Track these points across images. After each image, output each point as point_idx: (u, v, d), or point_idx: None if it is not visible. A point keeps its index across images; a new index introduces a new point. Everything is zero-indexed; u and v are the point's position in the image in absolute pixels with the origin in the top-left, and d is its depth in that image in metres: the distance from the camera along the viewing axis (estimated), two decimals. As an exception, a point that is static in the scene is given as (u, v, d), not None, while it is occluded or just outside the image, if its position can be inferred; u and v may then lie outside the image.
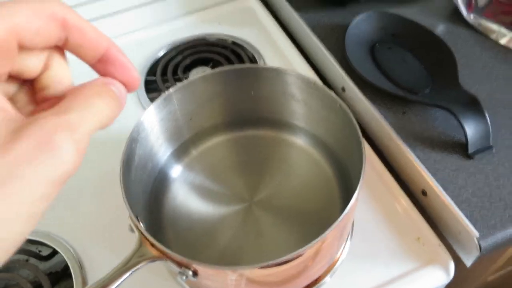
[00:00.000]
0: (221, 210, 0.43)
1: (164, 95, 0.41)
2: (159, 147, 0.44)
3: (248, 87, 0.45)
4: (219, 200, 0.43)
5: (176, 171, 0.45)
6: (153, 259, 0.32)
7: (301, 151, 0.46)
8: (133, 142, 0.38)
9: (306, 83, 0.42)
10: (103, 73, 0.22)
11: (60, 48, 0.22)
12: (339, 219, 0.32)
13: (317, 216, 0.42)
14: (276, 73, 0.43)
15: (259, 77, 0.44)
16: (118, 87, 0.22)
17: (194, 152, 0.47)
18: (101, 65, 0.22)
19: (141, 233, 0.33)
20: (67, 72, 0.22)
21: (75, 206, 0.46)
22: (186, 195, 0.44)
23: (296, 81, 0.42)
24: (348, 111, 0.38)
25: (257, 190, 0.43)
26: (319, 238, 0.31)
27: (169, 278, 0.41)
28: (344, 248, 0.42)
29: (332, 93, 0.40)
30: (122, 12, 0.64)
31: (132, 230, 0.34)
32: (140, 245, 0.33)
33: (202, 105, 0.45)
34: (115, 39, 0.64)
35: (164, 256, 0.32)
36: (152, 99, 0.56)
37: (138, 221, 0.34)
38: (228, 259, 0.40)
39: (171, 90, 0.41)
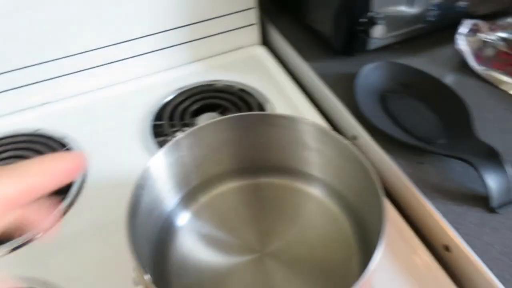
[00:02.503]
0: (230, 261, 0.40)
1: (172, 140, 0.39)
2: (166, 193, 0.42)
3: (259, 134, 0.44)
4: (228, 250, 0.40)
5: (183, 219, 0.43)
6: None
7: (315, 201, 0.43)
8: (139, 188, 0.36)
9: (320, 132, 0.40)
10: None
11: None
12: (359, 282, 0.29)
13: (332, 271, 0.39)
14: (288, 120, 0.42)
15: (270, 124, 0.43)
16: None
17: (203, 199, 0.44)
18: None
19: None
20: None
21: (75, 253, 0.43)
22: (193, 244, 0.41)
23: (309, 129, 0.41)
24: (364, 162, 0.36)
25: (268, 241, 0.41)
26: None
27: None
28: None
29: (348, 143, 0.39)
30: (131, 58, 0.64)
31: (136, 284, 0.31)
32: (145, 302, 0.30)
33: (211, 151, 0.44)
34: (124, 84, 0.64)
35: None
36: (159, 143, 0.54)
37: (145, 273, 0.31)
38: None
39: (180, 135, 0.40)
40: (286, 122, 0.42)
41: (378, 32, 0.56)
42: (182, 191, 0.43)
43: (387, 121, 0.50)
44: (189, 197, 0.44)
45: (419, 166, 0.46)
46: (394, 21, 0.58)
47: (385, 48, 0.61)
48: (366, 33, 0.57)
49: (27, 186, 0.20)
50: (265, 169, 0.45)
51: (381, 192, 0.34)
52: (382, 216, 0.32)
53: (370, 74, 0.55)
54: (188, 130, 0.40)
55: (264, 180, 0.45)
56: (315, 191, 0.44)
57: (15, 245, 0.44)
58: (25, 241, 0.44)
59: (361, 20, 0.56)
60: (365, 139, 0.49)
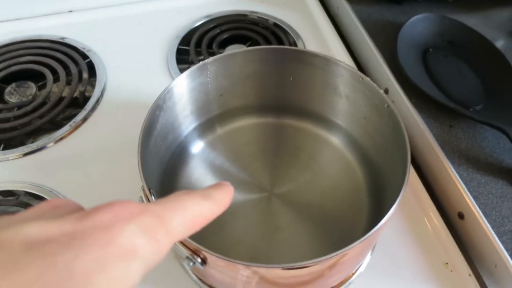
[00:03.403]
0: (238, 196, 0.39)
1: (199, 64, 0.38)
2: (184, 118, 0.41)
3: (288, 72, 0.41)
4: (237, 185, 0.40)
5: (197, 147, 0.42)
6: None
7: (334, 150, 0.42)
8: (157, 109, 0.35)
9: (355, 77, 0.38)
10: None
11: None
12: (369, 234, 0.28)
13: (340, 221, 0.38)
14: (323, 60, 0.39)
15: (303, 62, 0.40)
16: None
17: (220, 131, 0.43)
18: None
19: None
20: None
21: (86, 168, 0.44)
22: (203, 174, 0.41)
23: (344, 73, 0.39)
24: (398, 115, 0.34)
25: (280, 182, 0.40)
26: (346, 249, 0.28)
27: (173, 261, 0.38)
28: (363, 261, 0.38)
29: (381, 91, 0.36)
30: None
31: (142, 202, 0.31)
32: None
33: (236, 82, 0.42)
34: (155, 2, 0.61)
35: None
36: (181, 70, 0.52)
37: (151, 194, 0.31)
38: (239, 251, 0.37)
39: (207, 60, 0.38)
40: (320, 62, 0.39)
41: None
42: (200, 118, 0.42)
43: (424, 78, 0.47)
44: (206, 126, 0.43)
45: (449, 129, 0.43)
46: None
47: (437, 1, 0.56)
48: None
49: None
50: (289, 109, 0.44)
51: (408, 151, 0.32)
52: (404, 175, 0.30)
53: (417, 25, 0.51)
54: (215, 56, 0.38)
55: (286, 120, 0.44)
56: (336, 140, 0.42)
57: (27, 150, 0.44)
58: (38, 147, 0.45)
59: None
60: (397, 93, 0.47)
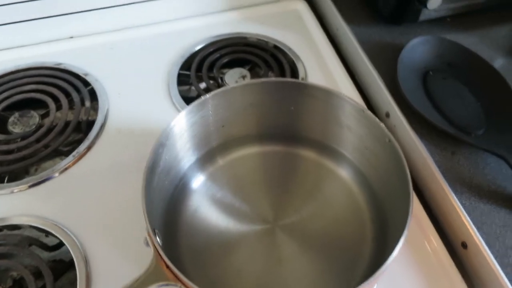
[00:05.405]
0: (242, 228, 0.40)
1: (200, 100, 0.38)
2: (185, 152, 0.41)
3: (289, 101, 0.42)
4: (240, 217, 0.40)
5: (198, 180, 0.42)
6: (167, 283, 0.29)
7: (337, 180, 0.42)
8: (160, 147, 0.36)
9: (355, 110, 0.38)
10: None
11: None
12: (375, 275, 0.28)
13: (344, 252, 0.38)
14: (324, 93, 0.39)
15: (303, 94, 0.41)
16: None
17: (220, 162, 0.44)
18: None
19: (158, 252, 0.30)
20: None
21: (91, 199, 0.44)
22: (206, 207, 0.41)
23: (344, 104, 0.39)
24: (399, 149, 0.34)
25: (283, 213, 0.40)
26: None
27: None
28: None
29: (382, 125, 0.36)
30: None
31: (147, 244, 0.32)
32: (154, 264, 0.30)
33: (237, 114, 0.42)
34: (152, 26, 0.62)
35: (179, 282, 0.29)
36: (182, 92, 0.53)
37: (155, 236, 0.31)
38: (242, 283, 0.37)
39: (208, 95, 0.38)
40: (321, 93, 0.40)
41: (435, 3, 0.51)
42: (201, 151, 0.43)
43: (425, 102, 0.47)
44: (207, 158, 0.43)
45: (451, 155, 0.43)
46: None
47: (436, 21, 0.56)
48: (421, 1, 0.52)
49: None
50: (291, 137, 0.44)
51: (409, 182, 0.32)
52: (407, 211, 0.31)
53: (416, 48, 0.51)
54: (216, 91, 0.39)
55: (288, 149, 0.44)
56: (339, 169, 0.43)
57: (32, 182, 0.45)
58: (42, 179, 0.45)
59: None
60: (398, 118, 0.47)
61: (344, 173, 0.42)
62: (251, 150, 0.44)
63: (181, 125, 0.38)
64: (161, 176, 0.36)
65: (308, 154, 0.44)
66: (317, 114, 0.41)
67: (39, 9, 0.56)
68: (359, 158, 0.41)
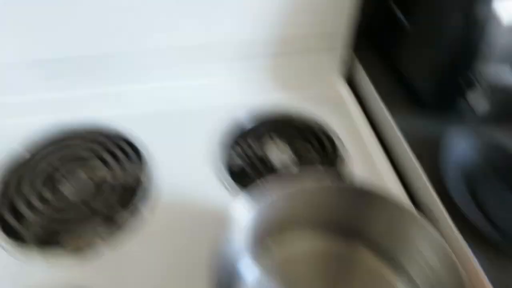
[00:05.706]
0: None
1: (263, 198, 0.39)
2: (242, 245, 0.41)
3: (357, 206, 0.42)
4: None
5: (253, 274, 0.42)
6: None
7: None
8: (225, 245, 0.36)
9: (414, 220, 0.38)
10: None
11: None
12: None
13: None
14: (398, 210, 0.40)
15: (372, 203, 0.41)
16: None
17: (277, 257, 0.43)
18: None
19: None
20: None
21: (136, 276, 0.43)
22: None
23: (421, 231, 0.39)
24: (459, 267, 0.34)
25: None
26: None
27: None
28: None
29: (443, 241, 0.37)
30: (211, 77, 0.64)
31: None
32: None
33: (297, 208, 0.42)
34: (200, 100, 0.62)
35: None
36: (229, 168, 0.54)
37: None
38: None
39: (267, 199, 0.39)
40: (395, 209, 0.41)
41: (480, 107, 0.52)
42: (258, 244, 0.42)
43: (473, 207, 0.48)
44: (263, 252, 0.43)
45: (501, 266, 0.43)
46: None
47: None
48: (464, 97, 0.54)
49: None
50: (351, 233, 0.44)
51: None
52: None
53: (460, 148, 0.52)
54: (278, 192, 0.39)
55: (347, 245, 0.44)
56: (397, 282, 0.42)
57: (77, 257, 0.44)
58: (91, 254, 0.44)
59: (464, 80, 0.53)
60: (445, 221, 0.47)
61: (399, 282, 0.42)
62: (307, 244, 0.44)
63: (241, 219, 0.38)
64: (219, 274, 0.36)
65: (366, 256, 0.43)
66: (381, 221, 0.42)
67: (104, 80, 0.60)
68: (418, 272, 0.40)
